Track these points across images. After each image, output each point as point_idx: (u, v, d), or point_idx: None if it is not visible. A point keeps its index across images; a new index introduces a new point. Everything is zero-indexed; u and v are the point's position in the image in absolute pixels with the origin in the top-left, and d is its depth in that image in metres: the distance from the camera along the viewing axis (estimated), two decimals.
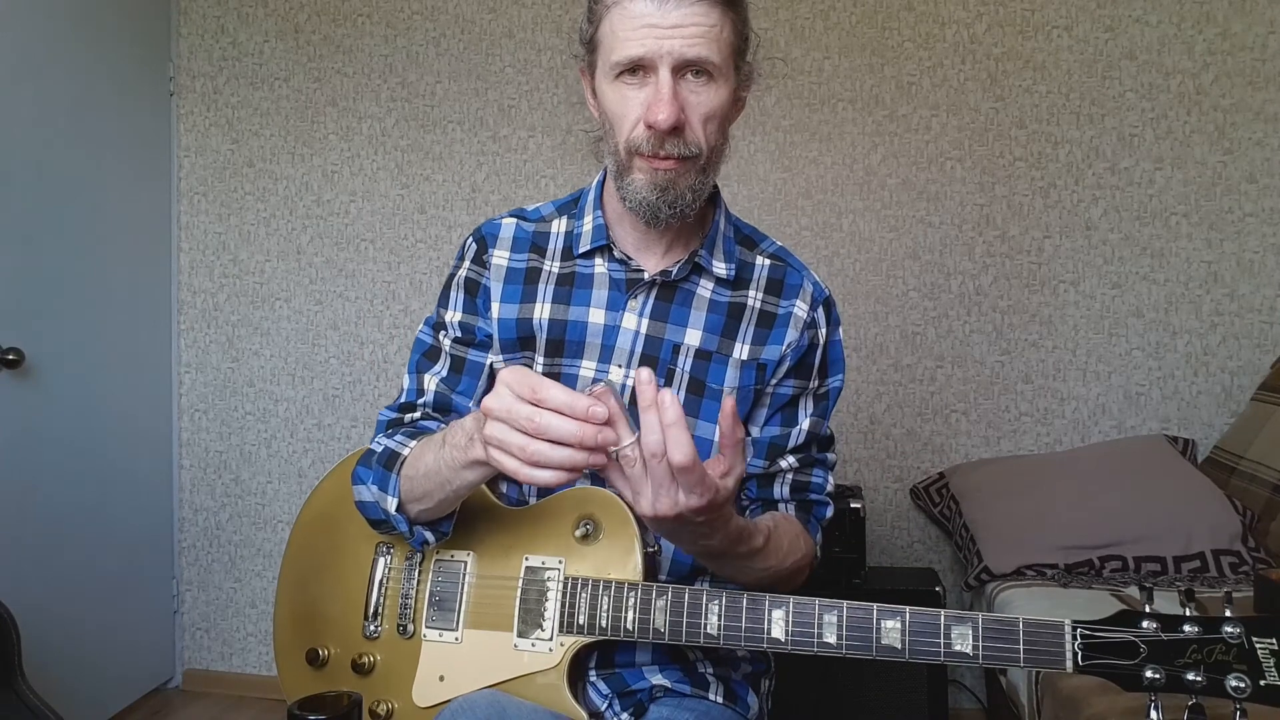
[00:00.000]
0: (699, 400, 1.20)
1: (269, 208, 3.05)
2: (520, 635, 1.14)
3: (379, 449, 1.20)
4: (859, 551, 2.31)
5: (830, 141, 2.78)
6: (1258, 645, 0.86)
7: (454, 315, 1.28)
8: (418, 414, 1.27)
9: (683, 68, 1.07)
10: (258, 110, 3.05)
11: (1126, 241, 2.64)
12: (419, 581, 1.22)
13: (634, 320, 1.21)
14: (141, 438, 2.93)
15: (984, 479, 2.54)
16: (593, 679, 1.18)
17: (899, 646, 0.96)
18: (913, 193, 2.75)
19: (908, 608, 0.96)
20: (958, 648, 0.94)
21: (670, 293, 1.22)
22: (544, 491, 1.23)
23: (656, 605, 1.06)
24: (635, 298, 1.22)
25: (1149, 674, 0.89)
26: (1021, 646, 0.92)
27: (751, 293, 1.25)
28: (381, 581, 1.24)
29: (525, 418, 0.89)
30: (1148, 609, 0.91)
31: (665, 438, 0.86)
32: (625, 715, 1.16)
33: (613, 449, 0.89)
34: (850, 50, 2.77)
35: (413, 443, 1.16)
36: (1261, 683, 0.86)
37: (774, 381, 1.23)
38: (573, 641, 1.11)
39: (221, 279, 3.08)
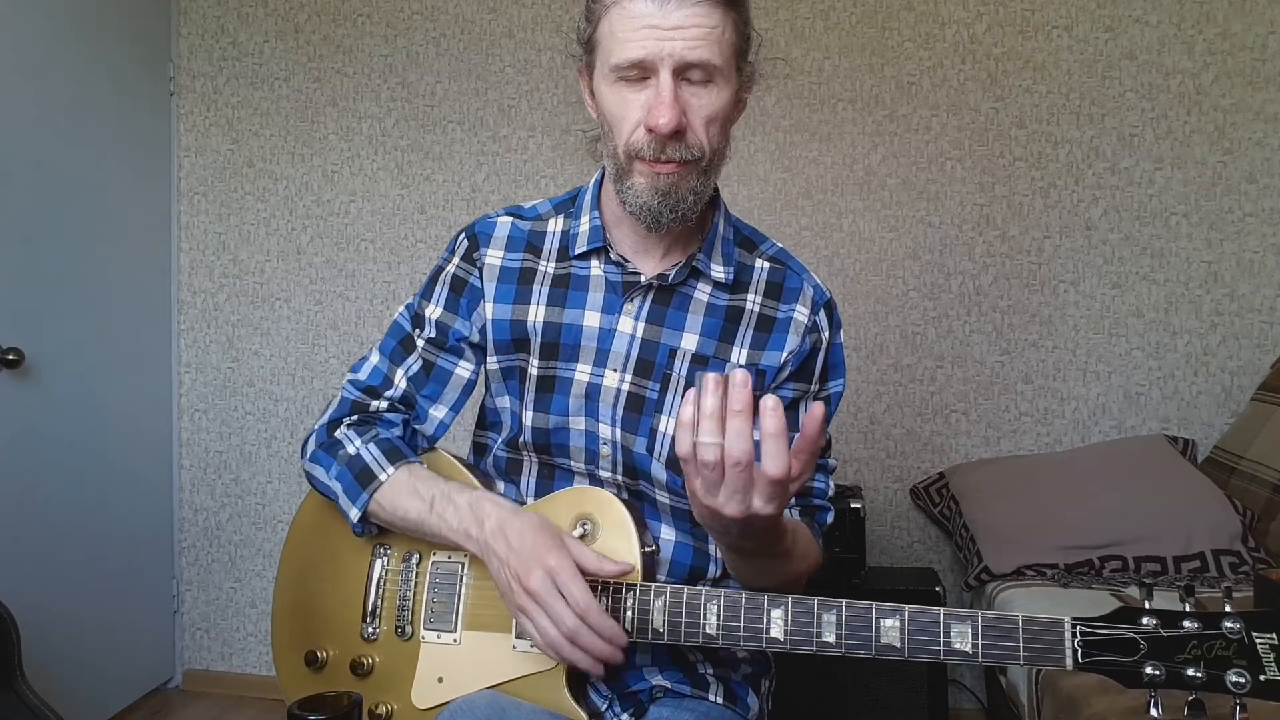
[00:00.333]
0: None
1: (269, 208, 3.05)
2: (519, 636, 1.14)
3: (353, 451, 1.22)
4: (859, 551, 2.31)
5: (830, 141, 2.78)
6: (1258, 640, 0.86)
7: (434, 311, 1.27)
8: (383, 404, 1.28)
9: (684, 70, 1.05)
10: (258, 110, 3.05)
11: (1126, 241, 2.64)
12: (416, 583, 1.21)
13: (630, 324, 1.20)
14: (141, 438, 2.93)
15: (984, 479, 2.54)
16: (592, 679, 1.18)
17: (898, 645, 0.95)
18: (913, 193, 2.75)
19: (907, 606, 0.96)
20: (957, 646, 0.93)
21: (667, 296, 1.20)
22: (542, 493, 1.24)
23: (655, 606, 1.06)
24: (631, 301, 1.20)
25: (1149, 670, 0.88)
26: (1021, 644, 0.91)
27: (750, 296, 1.22)
28: (379, 583, 1.24)
29: (570, 630, 1.00)
30: (1147, 606, 0.91)
31: (763, 448, 0.85)
32: (625, 716, 1.16)
33: (700, 440, 0.87)
34: (850, 50, 2.77)
35: (391, 468, 1.19)
36: (1262, 678, 0.85)
37: (773, 386, 1.22)
38: None
39: (221, 279, 3.08)
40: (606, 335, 1.20)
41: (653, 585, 1.08)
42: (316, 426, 1.30)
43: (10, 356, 2.35)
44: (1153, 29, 2.62)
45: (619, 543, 1.13)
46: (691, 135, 1.07)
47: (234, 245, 3.07)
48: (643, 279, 1.19)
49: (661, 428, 1.18)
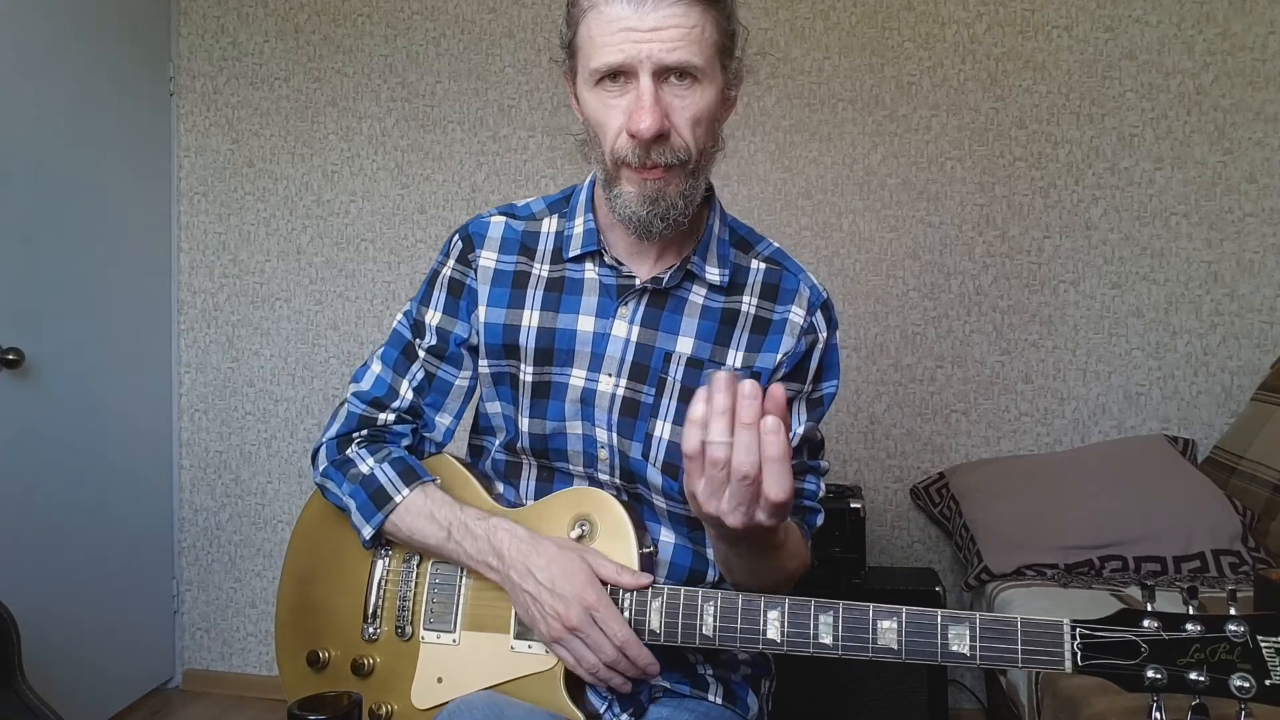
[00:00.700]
0: None
1: (269, 208, 3.05)
2: (518, 637, 1.14)
3: (366, 471, 1.23)
4: (859, 551, 2.31)
5: (830, 141, 2.78)
6: (1263, 644, 0.84)
7: (434, 317, 1.27)
8: (390, 416, 1.28)
9: (664, 72, 1.03)
10: (258, 110, 3.05)
11: (1126, 241, 2.64)
12: (417, 583, 1.22)
13: (624, 328, 1.19)
14: (141, 438, 2.93)
15: (984, 479, 2.54)
16: None
17: (895, 647, 0.95)
18: (913, 193, 2.74)
19: (904, 608, 0.95)
20: (955, 648, 0.93)
21: (662, 299, 1.19)
22: (541, 494, 1.24)
23: (652, 606, 1.06)
24: (626, 304, 1.19)
25: (1150, 674, 0.87)
26: (1019, 647, 0.90)
27: (746, 298, 1.21)
28: (380, 583, 1.24)
29: (610, 661, 1.05)
30: (1149, 608, 0.89)
31: (764, 471, 0.86)
32: (625, 716, 1.16)
33: (710, 440, 0.86)
34: (850, 50, 2.77)
35: (406, 490, 1.20)
36: (1267, 682, 0.84)
37: (767, 388, 1.21)
38: None
39: (221, 279, 3.08)
40: (601, 340, 1.19)
41: (650, 586, 1.08)
42: (325, 440, 1.29)
43: (10, 356, 2.35)
44: (1153, 29, 2.62)
45: (617, 544, 1.13)
46: (676, 138, 1.05)
47: (234, 245, 3.07)
48: (637, 282, 1.18)
49: (657, 433, 1.18)
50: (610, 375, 1.19)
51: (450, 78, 2.96)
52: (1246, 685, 0.84)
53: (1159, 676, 0.87)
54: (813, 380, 1.23)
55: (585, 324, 1.19)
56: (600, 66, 1.04)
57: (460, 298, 1.26)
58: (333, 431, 1.29)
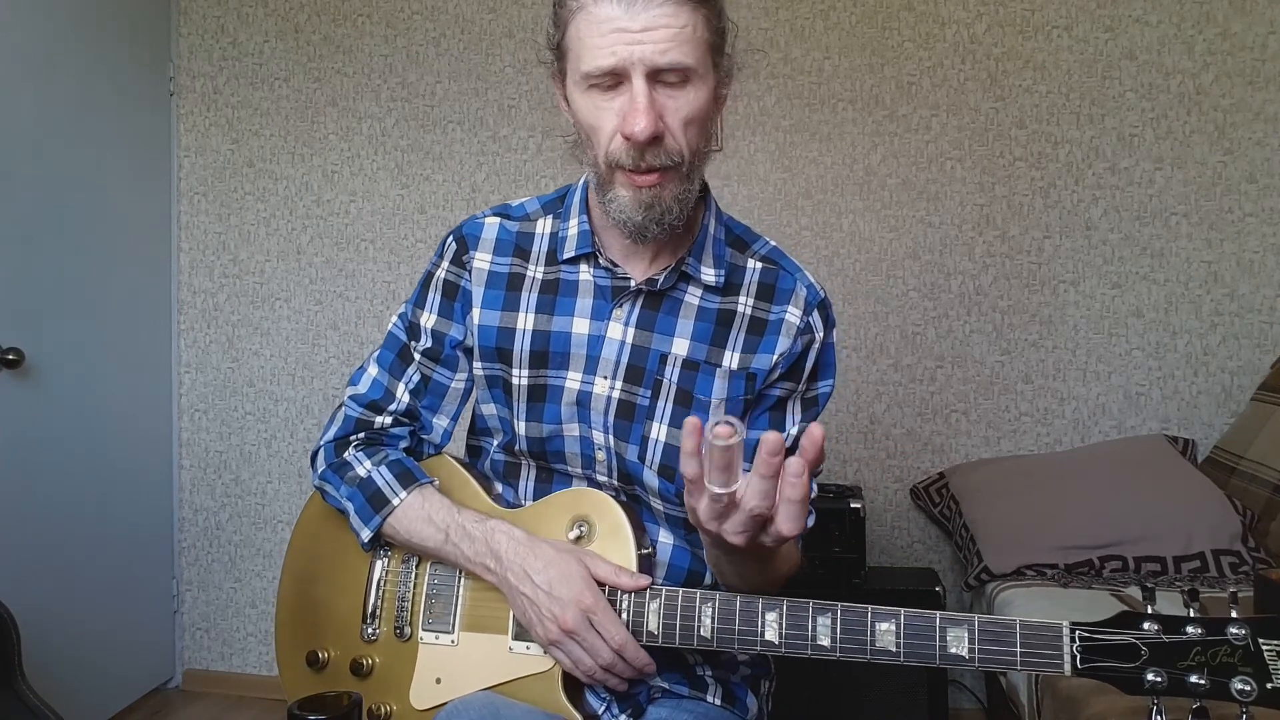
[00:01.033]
0: (687, 412, 1.17)
1: (269, 208, 3.05)
2: (516, 638, 1.14)
3: (363, 474, 1.22)
4: (859, 551, 2.31)
5: (830, 141, 2.78)
6: (1264, 647, 0.84)
7: (429, 319, 1.27)
8: (387, 419, 1.28)
9: (657, 73, 1.01)
10: (258, 110, 3.05)
11: (1126, 241, 2.64)
12: (415, 584, 1.22)
13: (620, 330, 1.18)
14: (141, 438, 2.93)
15: (984, 479, 2.54)
16: None
17: (894, 649, 0.94)
18: (913, 193, 2.74)
19: (902, 610, 0.95)
20: (953, 650, 0.92)
21: (657, 301, 1.18)
22: (540, 495, 1.24)
23: (650, 608, 1.06)
24: (621, 306, 1.18)
25: (1150, 677, 0.86)
26: (1018, 649, 0.90)
27: (742, 299, 1.20)
28: (379, 584, 1.24)
29: (607, 664, 1.06)
30: (1150, 610, 0.89)
31: (779, 509, 0.87)
32: (624, 717, 1.16)
33: (710, 488, 0.86)
34: (850, 50, 2.76)
35: (404, 493, 1.19)
36: (1268, 685, 0.83)
37: (763, 387, 1.20)
38: None
39: (221, 279, 3.08)
40: (596, 342, 1.18)
41: (648, 588, 1.08)
42: (323, 443, 1.29)
43: (10, 356, 2.35)
44: (1153, 29, 2.62)
45: (615, 545, 1.13)
46: (670, 139, 1.04)
47: (234, 245, 3.07)
48: (632, 284, 1.17)
49: (653, 435, 1.17)
50: (606, 378, 1.18)
51: (450, 78, 2.96)
52: (1247, 688, 0.83)
53: (1159, 679, 0.86)
54: (808, 380, 1.22)
55: (580, 326, 1.19)
56: (592, 70, 1.02)
57: (455, 299, 1.25)
58: (330, 434, 1.29)
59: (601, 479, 1.22)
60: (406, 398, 1.28)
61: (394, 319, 1.32)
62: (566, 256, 1.20)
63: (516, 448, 1.23)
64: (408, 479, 1.21)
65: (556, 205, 1.26)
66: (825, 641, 0.97)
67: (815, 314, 1.21)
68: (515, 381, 1.20)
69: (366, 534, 1.21)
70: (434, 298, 1.27)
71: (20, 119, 2.41)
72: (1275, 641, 0.84)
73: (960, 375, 2.73)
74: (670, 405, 1.17)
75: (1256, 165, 2.57)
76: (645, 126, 1.00)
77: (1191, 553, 2.19)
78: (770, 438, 0.82)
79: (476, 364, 1.24)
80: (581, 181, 1.23)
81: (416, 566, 1.22)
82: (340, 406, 1.31)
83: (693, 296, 1.19)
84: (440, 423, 1.30)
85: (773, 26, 2.77)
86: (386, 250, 2.99)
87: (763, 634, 1.00)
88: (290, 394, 3.03)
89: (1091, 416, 2.67)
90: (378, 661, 1.21)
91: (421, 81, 2.97)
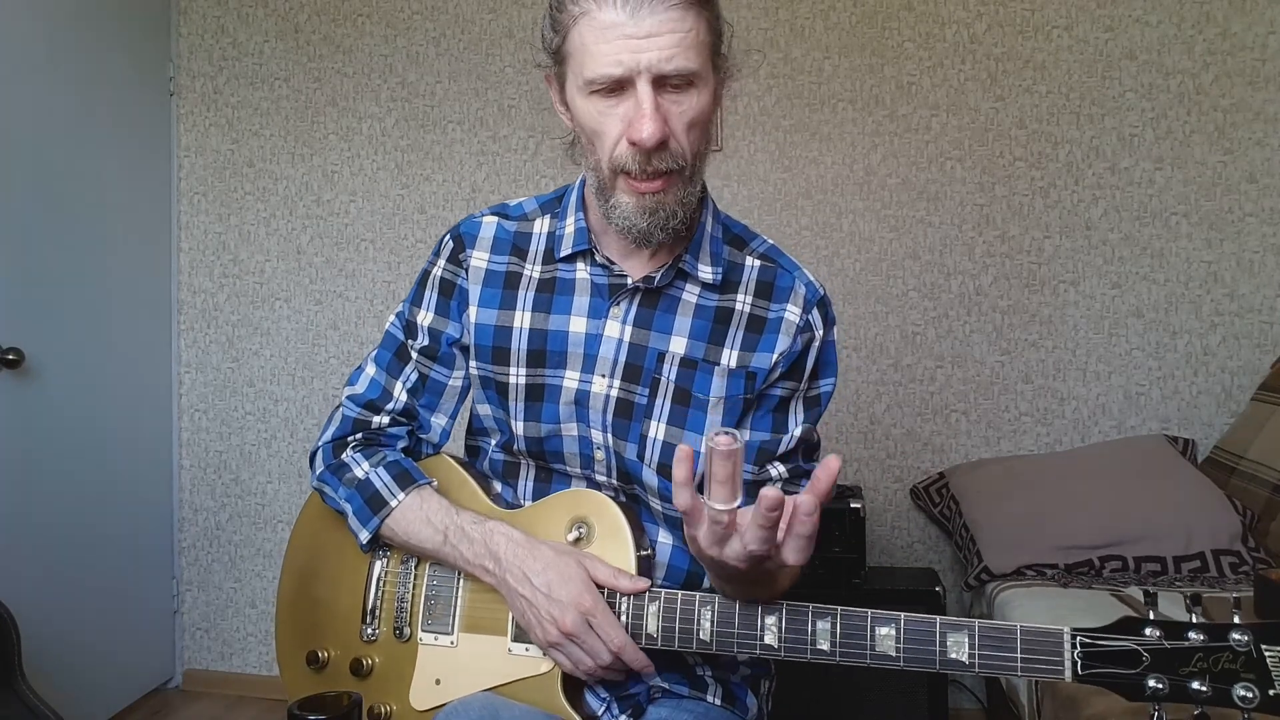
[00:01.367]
0: (685, 410, 1.17)
1: (269, 208, 3.05)
2: (515, 640, 1.14)
3: (361, 475, 1.22)
4: (859, 552, 2.31)
5: (830, 141, 2.78)
6: (1267, 653, 0.83)
7: (425, 317, 1.27)
8: (385, 419, 1.28)
9: (662, 79, 1.01)
10: (258, 110, 3.05)
11: (1126, 241, 2.64)
12: (414, 585, 1.22)
13: (617, 328, 1.18)
14: (141, 438, 2.93)
15: (984, 479, 2.54)
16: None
17: (894, 654, 0.94)
18: (913, 193, 2.74)
19: (903, 614, 0.94)
20: (953, 656, 0.92)
21: (654, 299, 1.18)
22: (539, 495, 1.24)
23: (649, 610, 1.06)
24: (618, 304, 1.18)
25: (1152, 684, 0.86)
26: (1019, 655, 0.90)
27: (740, 296, 1.20)
28: (378, 584, 1.24)
29: (606, 665, 1.06)
30: (1152, 615, 0.88)
31: (785, 542, 0.87)
32: (624, 717, 1.16)
33: (711, 505, 0.86)
34: (850, 50, 2.76)
35: (401, 494, 1.19)
36: (1271, 692, 0.82)
37: (764, 387, 1.20)
38: None
39: (221, 279, 3.08)
40: (593, 340, 1.18)
41: (647, 590, 1.08)
42: (321, 444, 1.29)
43: (10, 356, 2.35)
44: (1153, 29, 2.62)
45: (614, 546, 1.13)
46: (674, 144, 1.04)
47: (234, 245, 3.07)
48: (629, 281, 1.17)
49: (651, 433, 1.17)
50: (604, 376, 1.18)
51: (450, 78, 2.96)
52: (1250, 695, 0.83)
53: (1160, 686, 0.86)
54: (809, 378, 1.22)
55: (577, 325, 1.19)
56: (596, 78, 1.01)
57: (451, 298, 1.25)
58: (328, 435, 1.29)
59: (600, 478, 1.22)
60: (404, 397, 1.28)
61: (391, 318, 1.32)
62: (563, 254, 1.20)
63: (515, 447, 1.23)
64: (405, 480, 1.21)
65: (554, 205, 1.26)
66: (825, 646, 0.97)
67: (815, 311, 1.21)
68: (512, 381, 1.20)
69: (365, 535, 1.21)
70: (430, 296, 1.27)
71: (20, 119, 2.41)
72: (1278, 647, 0.83)
73: (960, 375, 2.73)
74: (668, 404, 1.17)
75: (1256, 165, 2.57)
76: (653, 132, 1.00)
77: (1191, 553, 2.19)
78: (769, 495, 0.82)
79: (472, 364, 1.24)
80: (578, 181, 1.23)
81: (415, 567, 1.22)
82: (338, 407, 1.31)
83: (690, 294, 1.19)
84: (439, 421, 1.30)
85: (773, 26, 2.77)
86: (386, 250, 2.99)
87: (762, 638, 1.00)
88: (290, 394, 3.03)
89: (1091, 416, 2.67)
90: (378, 661, 1.21)
91: (421, 81, 2.97)
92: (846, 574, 2.30)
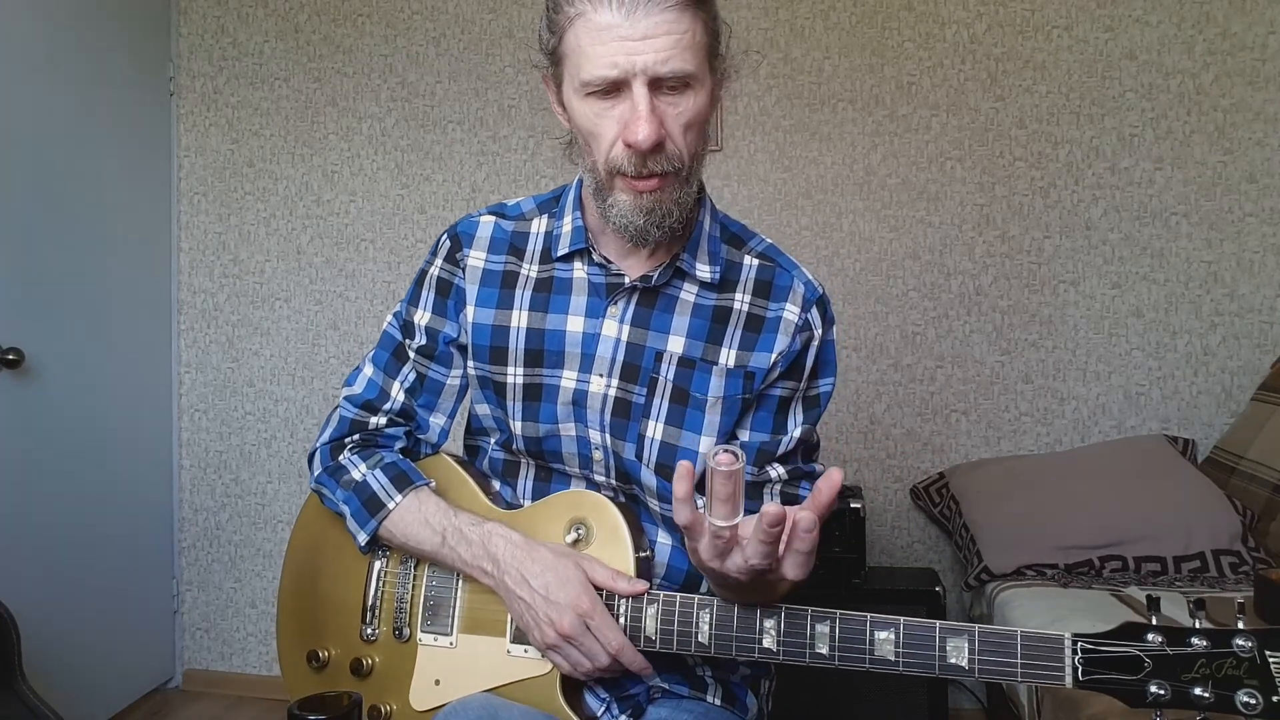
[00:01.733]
0: (683, 410, 1.17)
1: (269, 208, 3.05)
2: (514, 641, 1.14)
3: (358, 477, 1.22)
4: (859, 552, 2.31)
5: (830, 141, 2.78)
6: (1271, 659, 0.82)
7: (422, 317, 1.27)
8: (382, 419, 1.28)
9: (658, 81, 1.01)
10: (258, 110, 3.05)
11: (1126, 241, 2.64)
12: (414, 585, 1.22)
13: (614, 327, 1.18)
14: (141, 438, 2.93)
15: (984, 479, 2.54)
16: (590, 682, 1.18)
17: (893, 659, 0.94)
18: (913, 193, 2.74)
19: (902, 619, 0.94)
20: (953, 661, 0.91)
21: (652, 298, 1.18)
22: (539, 494, 1.24)
23: (647, 612, 1.06)
24: (616, 304, 1.18)
25: (1153, 690, 0.85)
26: (1019, 661, 0.89)
27: (738, 295, 1.19)
28: (378, 584, 1.24)
29: (604, 668, 1.06)
30: (1154, 620, 0.87)
31: (785, 557, 0.88)
32: (623, 718, 1.16)
33: (712, 521, 0.86)
34: (850, 50, 2.76)
35: (399, 496, 1.19)
36: (1274, 699, 0.81)
37: (763, 386, 1.19)
38: None
39: (221, 279, 3.08)
40: (591, 340, 1.18)
41: (646, 591, 1.08)
42: (319, 445, 1.29)
43: (10, 356, 2.35)
44: (1153, 29, 2.62)
45: (613, 548, 1.13)
46: (671, 145, 1.04)
47: (234, 245, 3.07)
48: (626, 281, 1.17)
49: (649, 433, 1.17)
50: (601, 376, 1.18)
51: (450, 78, 2.96)
52: (1253, 702, 0.82)
53: (1162, 692, 0.85)
54: (809, 378, 1.22)
55: (575, 324, 1.19)
56: (592, 80, 1.01)
57: (448, 297, 1.25)
58: (326, 436, 1.29)
59: (599, 478, 1.22)
60: (402, 397, 1.28)
61: (389, 319, 1.31)
62: (560, 254, 1.20)
63: (514, 446, 1.23)
64: (403, 482, 1.20)
65: (552, 205, 1.26)
66: (824, 650, 0.97)
67: (814, 310, 1.20)
68: (510, 381, 1.20)
69: (363, 538, 1.20)
70: (428, 295, 1.27)
71: (20, 119, 2.41)
72: None
73: (960, 375, 2.73)
74: (666, 403, 1.17)
75: (1256, 165, 2.56)
76: (649, 134, 1.00)
77: (1191, 553, 2.19)
78: (771, 511, 0.82)
79: (470, 363, 1.24)
80: (575, 181, 1.23)
81: (415, 567, 1.22)
82: (336, 408, 1.31)
83: (688, 293, 1.19)
84: (437, 421, 1.29)
85: (773, 26, 2.77)
86: (386, 250, 2.99)
87: (761, 642, 1.00)
88: (290, 394, 3.03)
89: (1091, 416, 2.67)
90: (377, 661, 1.21)
91: (421, 81, 2.97)
92: (846, 574, 2.30)
